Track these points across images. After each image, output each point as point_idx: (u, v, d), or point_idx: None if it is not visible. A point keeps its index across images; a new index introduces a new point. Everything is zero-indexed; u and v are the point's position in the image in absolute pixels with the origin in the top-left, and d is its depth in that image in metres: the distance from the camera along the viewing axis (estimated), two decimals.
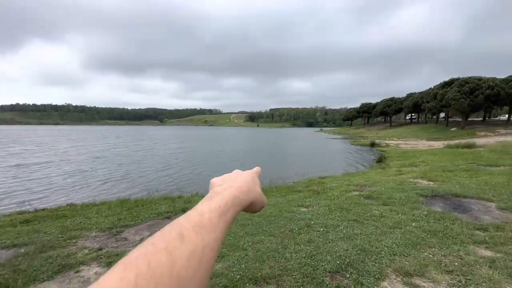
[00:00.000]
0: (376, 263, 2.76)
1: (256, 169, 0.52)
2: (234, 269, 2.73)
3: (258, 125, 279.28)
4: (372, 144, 28.05)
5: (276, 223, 4.12)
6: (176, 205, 5.67)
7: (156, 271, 0.22)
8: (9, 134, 59.39)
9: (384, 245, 3.15)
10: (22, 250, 3.34)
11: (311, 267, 2.73)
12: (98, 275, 2.76)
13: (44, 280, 2.66)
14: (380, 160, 15.83)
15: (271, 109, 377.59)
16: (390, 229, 3.67)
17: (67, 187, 10.59)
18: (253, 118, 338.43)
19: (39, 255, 3.21)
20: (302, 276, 2.56)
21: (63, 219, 5.03)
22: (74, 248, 3.46)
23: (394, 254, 2.93)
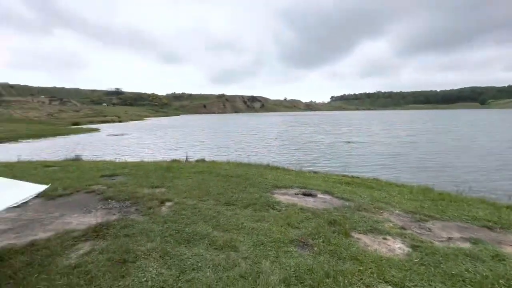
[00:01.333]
0: None
1: None
2: None
3: None
4: None
5: None
6: (502, 216, 4.22)
7: None
8: (338, 118, 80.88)
9: None
10: (347, 203, 4.51)
11: None
12: (403, 250, 2.94)
13: (361, 233, 3.38)
14: None
15: None
16: None
17: (374, 163, 12.60)
18: None
19: (356, 211, 4.14)
20: None
21: (371, 190, 5.96)
22: (381, 217, 3.97)
23: None
